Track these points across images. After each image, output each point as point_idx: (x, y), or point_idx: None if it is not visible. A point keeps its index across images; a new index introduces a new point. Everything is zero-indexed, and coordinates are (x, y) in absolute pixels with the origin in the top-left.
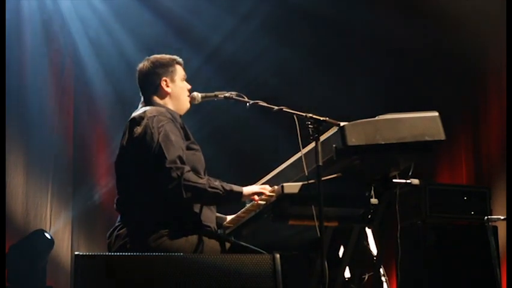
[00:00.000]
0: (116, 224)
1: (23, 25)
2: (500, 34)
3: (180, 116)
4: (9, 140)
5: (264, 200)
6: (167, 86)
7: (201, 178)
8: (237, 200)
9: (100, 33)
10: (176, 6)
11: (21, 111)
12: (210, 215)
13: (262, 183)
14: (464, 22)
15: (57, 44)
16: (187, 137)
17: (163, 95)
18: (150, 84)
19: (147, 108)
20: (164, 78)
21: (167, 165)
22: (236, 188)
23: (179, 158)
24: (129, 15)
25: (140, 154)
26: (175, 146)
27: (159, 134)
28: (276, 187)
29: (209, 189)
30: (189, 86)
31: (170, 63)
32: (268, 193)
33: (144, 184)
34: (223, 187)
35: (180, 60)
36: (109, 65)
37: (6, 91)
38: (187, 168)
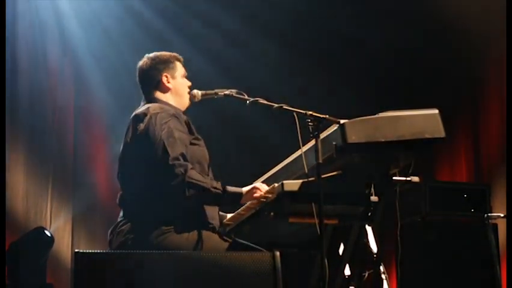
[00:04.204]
0: (118, 220)
1: (22, 25)
2: (500, 34)
3: (183, 111)
4: (9, 138)
5: (262, 199)
6: (168, 82)
7: (204, 177)
8: (237, 202)
9: (100, 32)
10: (174, 5)
11: (21, 109)
12: (212, 212)
13: (263, 181)
14: (465, 21)
15: (56, 43)
16: (190, 132)
17: (165, 90)
18: (151, 80)
19: (150, 105)
20: (165, 74)
21: (171, 162)
22: (236, 189)
23: (182, 155)
24: (128, 15)
25: (142, 151)
26: (178, 143)
27: (162, 131)
28: (275, 185)
29: (212, 188)
30: (189, 83)
31: (171, 60)
32: (263, 193)
33: (146, 181)
34: (224, 188)
35: (180, 57)
36: (109, 64)
37: (6, 90)
38: (190, 165)
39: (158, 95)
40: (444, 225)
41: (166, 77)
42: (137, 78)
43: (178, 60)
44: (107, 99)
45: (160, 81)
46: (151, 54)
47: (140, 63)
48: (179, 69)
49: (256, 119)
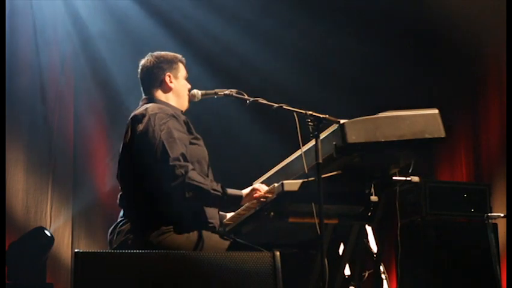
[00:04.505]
0: (118, 220)
1: (22, 25)
2: (500, 34)
3: (182, 111)
4: (10, 137)
5: (262, 199)
6: (171, 82)
7: (204, 178)
8: (237, 204)
9: (100, 32)
10: (171, 7)
11: (21, 109)
12: (212, 212)
13: (263, 181)
14: (465, 21)
15: (57, 43)
16: (190, 132)
17: (166, 90)
18: (154, 79)
19: (149, 105)
20: (168, 73)
21: (171, 163)
22: (236, 192)
23: (183, 155)
24: (128, 14)
25: (142, 151)
26: (178, 143)
27: (161, 131)
28: (275, 185)
29: (211, 191)
30: (189, 86)
31: (174, 60)
32: (263, 193)
33: (146, 181)
34: (224, 191)
35: (183, 59)
36: (109, 64)
37: (6, 89)
38: (190, 166)
39: (159, 94)
40: (445, 225)
41: (169, 76)
42: (139, 75)
43: (181, 61)
44: (107, 98)
45: (163, 81)
46: (155, 53)
47: (144, 61)
48: (182, 70)
49: (256, 119)
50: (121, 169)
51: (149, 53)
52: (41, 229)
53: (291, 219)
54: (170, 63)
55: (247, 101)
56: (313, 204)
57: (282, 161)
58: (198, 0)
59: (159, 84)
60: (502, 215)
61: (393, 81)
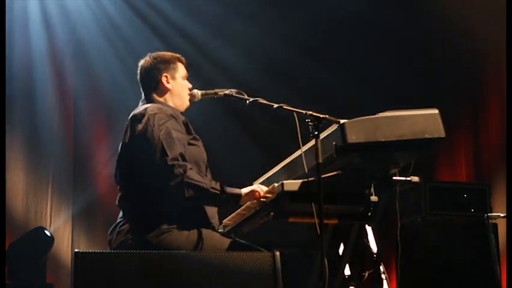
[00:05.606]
0: (118, 220)
1: (24, 24)
2: (500, 34)
3: (181, 112)
4: (10, 137)
5: (262, 199)
6: (168, 82)
7: (203, 177)
8: (236, 203)
9: (101, 32)
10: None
11: (21, 108)
12: (212, 211)
13: (263, 181)
14: (465, 22)
15: (57, 43)
16: (189, 132)
17: (163, 91)
18: (151, 80)
19: (148, 105)
20: (165, 74)
21: (170, 162)
22: (235, 190)
23: (181, 155)
24: (129, 14)
25: (141, 151)
26: (177, 143)
27: (160, 131)
28: (275, 185)
29: (210, 189)
30: (190, 85)
31: (172, 60)
32: (263, 194)
33: (145, 181)
34: (223, 189)
35: (182, 58)
36: (110, 64)
37: (7, 89)
38: (189, 165)
39: (157, 95)
40: (445, 225)
41: (166, 77)
42: (138, 77)
43: (180, 61)
44: (107, 98)
45: (159, 81)
46: (154, 54)
47: (142, 62)
48: (181, 70)
49: (256, 119)
50: (120, 168)
51: (148, 53)
52: (41, 229)
53: (291, 219)
54: (168, 63)
55: (247, 101)
56: (313, 204)
57: (282, 161)
58: None
59: (156, 85)
60: (502, 215)
61: (393, 82)
